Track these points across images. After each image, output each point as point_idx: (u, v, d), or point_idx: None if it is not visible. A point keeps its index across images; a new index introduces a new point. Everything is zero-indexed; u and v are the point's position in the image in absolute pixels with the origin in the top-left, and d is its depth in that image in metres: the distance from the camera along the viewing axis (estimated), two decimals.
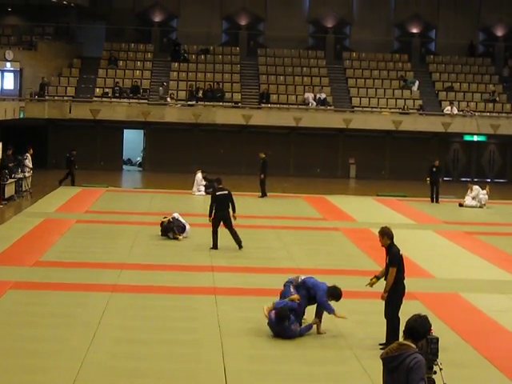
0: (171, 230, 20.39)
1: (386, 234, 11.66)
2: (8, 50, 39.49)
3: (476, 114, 40.94)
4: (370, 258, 18.49)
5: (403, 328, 6.77)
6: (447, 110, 40.75)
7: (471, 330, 12.93)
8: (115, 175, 37.86)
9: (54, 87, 40.91)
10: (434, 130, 40.30)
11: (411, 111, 41.13)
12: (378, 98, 42.16)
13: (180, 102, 40.63)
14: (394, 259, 11.53)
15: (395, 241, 11.73)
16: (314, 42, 46.43)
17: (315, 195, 31.27)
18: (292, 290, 12.43)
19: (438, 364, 7.42)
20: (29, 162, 29.56)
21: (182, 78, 42.56)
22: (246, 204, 27.89)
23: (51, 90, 40.61)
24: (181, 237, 20.30)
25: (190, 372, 10.47)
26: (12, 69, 40.22)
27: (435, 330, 7.51)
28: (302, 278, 12.62)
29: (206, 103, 40.34)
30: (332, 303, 12.30)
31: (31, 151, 29.94)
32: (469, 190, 29.73)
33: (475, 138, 41.79)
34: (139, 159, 42.18)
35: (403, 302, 11.61)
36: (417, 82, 43.06)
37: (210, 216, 19.16)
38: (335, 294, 12.28)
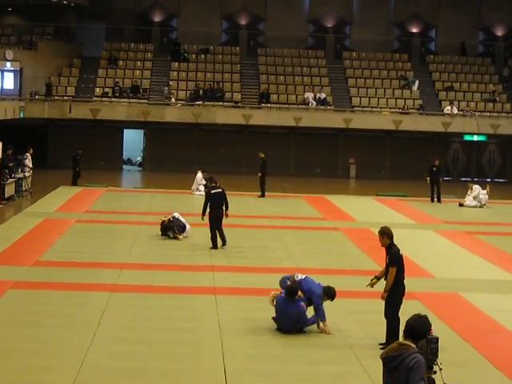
0: (171, 229, 20.40)
1: (385, 233, 11.66)
2: (8, 50, 39.52)
3: (476, 113, 40.94)
4: (369, 258, 18.49)
5: (403, 328, 6.77)
6: (447, 109, 40.75)
7: (471, 329, 12.92)
8: (115, 175, 37.86)
9: (54, 87, 40.88)
10: (434, 129, 40.30)
11: (411, 111, 41.14)
12: (378, 98, 42.16)
13: (181, 102, 40.63)
14: (394, 259, 11.52)
15: (395, 240, 11.73)
16: (314, 42, 46.43)
17: (315, 195, 31.27)
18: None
19: (437, 364, 7.42)
20: (29, 162, 29.55)
21: (182, 78, 42.57)
22: (246, 204, 27.91)
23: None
24: (181, 236, 20.32)
25: (190, 372, 10.47)
26: (12, 68, 40.26)
27: (435, 330, 7.51)
28: (299, 277, 12.67)
29: (205, 103, 40.34)
30: (328, 302, 12.41)
31: (31, 151, 29.93)
32: (469, 190, 29.71)
33: (475, 138, 41.79)
34: (139, 159, 42.18)
35: (403, 301, 11.61)
36: (417, 82, 43.07)
37: (203, 214, 19.26)
38: (330, 293, 12.42)
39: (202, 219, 19.32)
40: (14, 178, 27.58)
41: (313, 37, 46.51)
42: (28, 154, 29.74)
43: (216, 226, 19.04)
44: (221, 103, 40.51)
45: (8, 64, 39.77)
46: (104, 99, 40.36)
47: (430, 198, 30.44)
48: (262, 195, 30.10)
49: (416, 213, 27.34)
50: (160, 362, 10.73)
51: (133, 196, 29.70)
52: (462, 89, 43.58)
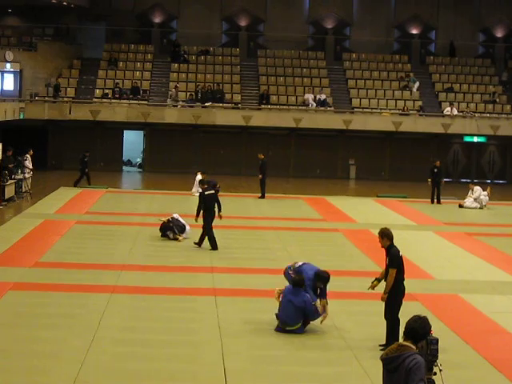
0: (171, 229, 20.43)
1: (385, 235, 11.66)
2: (8, 51, 39.52)
3: (476, 115, 40.94)
4: (370, 259, 18.49)
5: (403, 329, 6.77)
6: (447, 111, 40.75)
7: (471, 331, 12.92)
8: (115, 176, 37.86)
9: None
10: (434, 131, 40.30)
11: (411, 112, 41.14)
12: (378, 99, 42.17)
13: (181, 103, 40.63)
14: (394, 260, 11.53)
15: (395, 242, 11.74)
16: (314, 43, 46.43)
17: (315, 196, 31.28)
18: (293, 275, 12.68)
19: (437, 365, 7.41)
20: (29, 163, 29.54)
21: (182, 79, 42.57)
22: (246, 205, 27.92)
23: (51, 91, 40.59)
24: (181, 237, 20.34)
25: (190, 373, 10.47)
26: (12, 70, 40.27)
27: (435, 331, 7.50)
28: (298, 264, 12.92)
29: (205, 104, 40.33)
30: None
31: (31, 152, 29.93)
32: (470, 191, 29.68)
33: (475, 139, 41.78)
34: (139, 160, 42.18)
35: (403, 303, 11.62)
36: (417, 83, 43.07)
37: (197, 216, 19.40)
38: (320, 276, 12.54)
39: (196, 220, 19.51)
40: (13, 179, 27.57)
41: (313, 38, 46.51)
42: (28, 156, 29.73)
43: (209, 227, 19.15)
44: (221, 104, 40.52)
45: (8, 65, 39.78)
46: (104, 100, 40.36)
47: (430, 200, 30.44)
48: (262, 196, 30.11)
49: (416, 214, 27.34)
50: (160, 363, 10.73)
51: (133, 197, 29.70)
52: (461, 90, 43.60)
